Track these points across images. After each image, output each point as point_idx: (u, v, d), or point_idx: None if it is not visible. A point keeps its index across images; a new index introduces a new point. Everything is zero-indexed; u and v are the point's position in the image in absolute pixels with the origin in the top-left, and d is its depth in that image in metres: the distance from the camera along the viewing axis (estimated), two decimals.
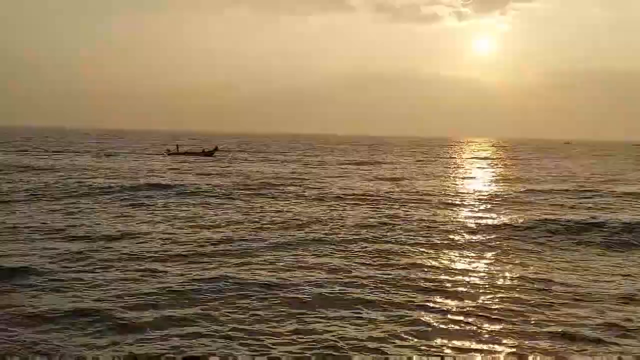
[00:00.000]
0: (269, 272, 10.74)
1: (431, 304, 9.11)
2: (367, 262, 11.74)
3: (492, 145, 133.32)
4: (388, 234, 14.87)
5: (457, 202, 22.10)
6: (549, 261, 12.41)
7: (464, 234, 15.17)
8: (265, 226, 15.63)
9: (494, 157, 70.26)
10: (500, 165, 50.46)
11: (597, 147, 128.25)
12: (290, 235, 14.32)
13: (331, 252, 12.61)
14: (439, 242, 14.12)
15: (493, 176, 37.03)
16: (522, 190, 26.58)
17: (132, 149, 62.60)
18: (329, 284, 9.99)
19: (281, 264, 11.46)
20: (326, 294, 9.44)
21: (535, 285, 10.26)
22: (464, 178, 35.26)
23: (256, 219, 16.73)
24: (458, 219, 17.72)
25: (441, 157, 65.54)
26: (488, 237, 14.82)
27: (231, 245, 12.97)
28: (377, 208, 19.67)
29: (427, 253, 12.83)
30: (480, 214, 18.90)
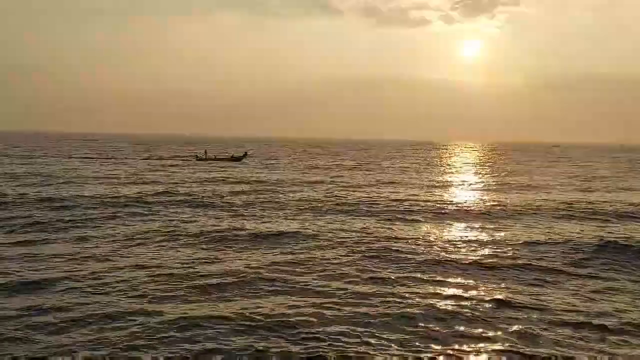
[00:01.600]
0: None
1: None
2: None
3: (478, 149, 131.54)
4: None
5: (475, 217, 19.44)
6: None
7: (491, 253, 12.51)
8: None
9: (490, 161, 67.95)
10: (501, 170, 47.97)
11: (590, 150, 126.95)
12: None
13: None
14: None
15: (498, 183, 34.38)
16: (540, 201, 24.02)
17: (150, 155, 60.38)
18: None
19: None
20: None
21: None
22: (470, 186, 32.28)
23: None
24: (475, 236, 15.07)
25: (439, 162, 63.22)
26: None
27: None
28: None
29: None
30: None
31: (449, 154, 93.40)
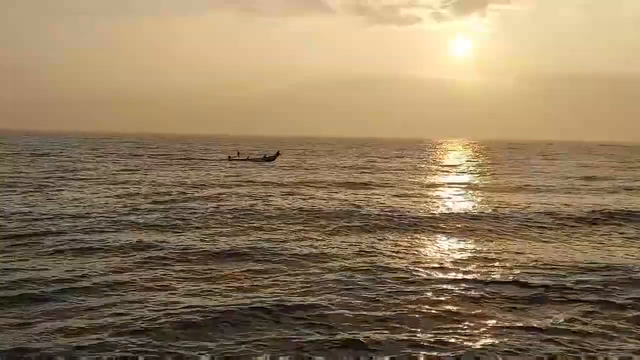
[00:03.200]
0: None
1: None
2: None
3: (474, 147, 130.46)
4: None
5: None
6: None
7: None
8: None
9: (490, 160, 66.56)
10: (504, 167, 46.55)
11: (585, 149, 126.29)
12: None
13: None
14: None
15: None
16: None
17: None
18: None
19: None
20: None
21: None
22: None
23: None
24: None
25: (435, 162, 61.85)
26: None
27: None
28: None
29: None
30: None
31: (443, 152, 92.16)
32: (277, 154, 51.53)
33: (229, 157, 51.99)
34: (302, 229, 15.76)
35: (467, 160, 63.57)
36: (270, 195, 23.49)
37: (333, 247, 13.40)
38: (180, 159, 53.33)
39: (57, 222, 15.88)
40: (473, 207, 21.42)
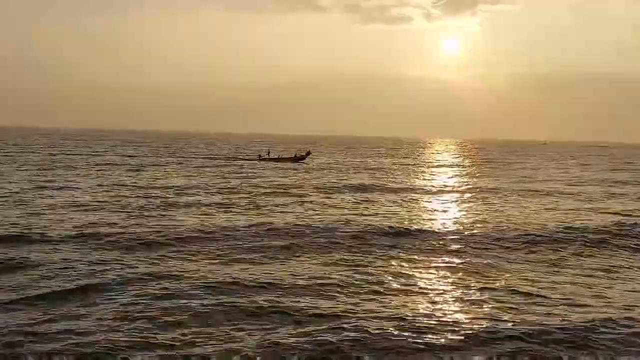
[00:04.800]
0: None
1: None
2: None
3: (467, 147, 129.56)
4: None
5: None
6: None
7: None
8: None
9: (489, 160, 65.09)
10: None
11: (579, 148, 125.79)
12: None
13: None
14: None
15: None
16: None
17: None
18: None
19: None
20: None
21: None
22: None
23: None
24: None
25: (432, 162, 60.39)
26: None
27: None
28: None
29: None
30: None
31: (438, 152, 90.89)
32: (308, 153, 50.83)
33: (259, 156, 51.35)
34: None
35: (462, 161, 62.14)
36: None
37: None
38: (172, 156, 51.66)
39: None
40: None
